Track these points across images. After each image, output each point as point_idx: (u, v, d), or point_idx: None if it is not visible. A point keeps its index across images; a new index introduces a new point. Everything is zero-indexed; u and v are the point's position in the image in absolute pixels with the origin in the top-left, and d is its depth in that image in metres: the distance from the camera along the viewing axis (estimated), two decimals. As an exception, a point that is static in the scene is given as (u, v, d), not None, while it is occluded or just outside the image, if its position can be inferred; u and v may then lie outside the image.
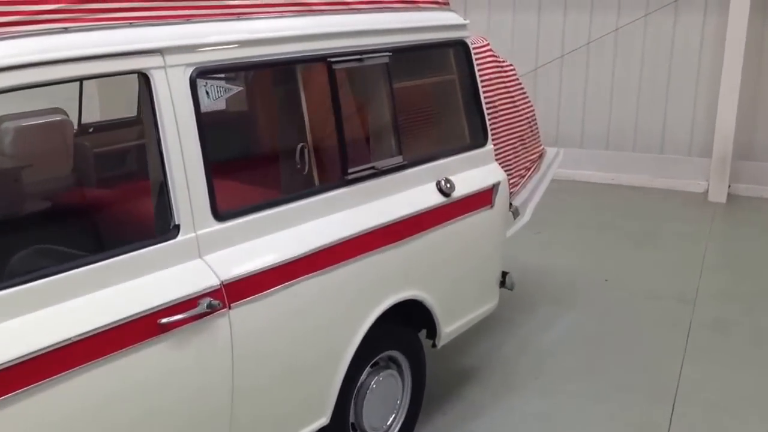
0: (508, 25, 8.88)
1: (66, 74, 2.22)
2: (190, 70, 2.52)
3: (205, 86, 2.63)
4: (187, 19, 2.58)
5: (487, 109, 4.12)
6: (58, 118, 3.39)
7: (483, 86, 4.09)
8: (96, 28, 2.31)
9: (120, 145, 3.74)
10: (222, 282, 2.54)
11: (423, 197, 3.38)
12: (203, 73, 2.57)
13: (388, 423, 3.47)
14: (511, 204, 4.37)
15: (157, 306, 2.36)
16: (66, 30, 2.24)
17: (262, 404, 2.76)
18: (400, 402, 3.52)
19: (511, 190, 4.42)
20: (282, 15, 2.89)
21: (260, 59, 2.77)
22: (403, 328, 3.47)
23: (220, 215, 2.60)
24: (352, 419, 3.26)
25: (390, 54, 3.24)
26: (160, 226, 2.49)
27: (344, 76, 3.09)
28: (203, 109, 2.60)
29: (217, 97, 2.70)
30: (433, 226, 3.42)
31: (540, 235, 6.64)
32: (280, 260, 2.72)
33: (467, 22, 3.70)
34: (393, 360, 3.46)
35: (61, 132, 3.35)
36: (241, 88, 3.33)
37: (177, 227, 2.48)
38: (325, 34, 2.97)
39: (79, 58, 2.23)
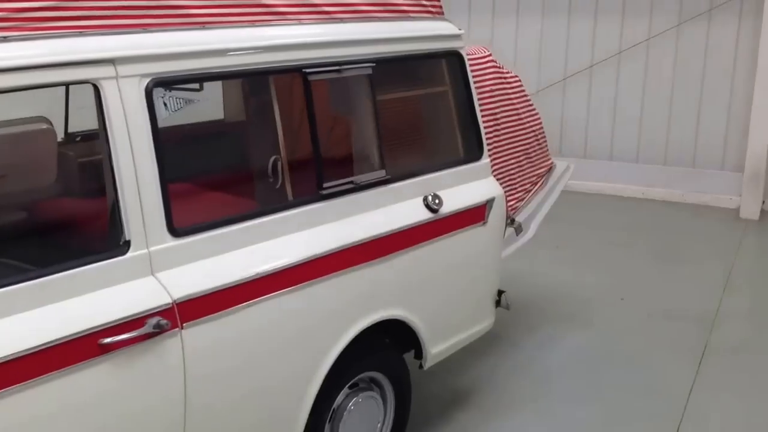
0: (536, 32, 8.70)
1: (5, 84, 2.14)
2: (146, 81, 2.43)
3: (163, 98, 2.54)
4: (145, 28, 2.49)
5: (488, 121, 4.00)
6: (40, 126, 3.33)
7: (483, 98, 3.97)
8: (41, 37, 2.24)
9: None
10: (174, 301, 2.45)
11: (408, 213, 3.25)
12: (161, 84, 2.48)
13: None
14: (513, 220, 4.23)
15: (100, 325, 2.27)
16: (5, 39, 2.16)
17: (220, 426, 2.66)
18: (382, 425, 3.39)
19: (516, 206, 4.29)
20: (255, 24, 2.80)
21: (226, 70, 2.68)
22: (386, 349, 3.34)
23: (177, 231, 2.51)
24: (328, 441, 3.15)
25: (373, 65, 3.13)
26: (110, 242, 2.40)
27: (322, 88, 2.98)
28: (163, 121, 2.52)
29: (176, 109, 2.61)
30: (419, 243, 3.29)
31: (559, 250, 6.46)
32: (241, 278, 2.62)
33: (461, 32, 3.57)
34: (375, 381, 3.34)
35: (43, 141, 3.30)
36: (206, 100, 3.24)
37: (128, 243, 2.39)
38: (299, 44, 2.87)
39: (19, 68, 2.16)
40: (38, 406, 2.16)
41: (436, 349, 3.52)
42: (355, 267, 2.99)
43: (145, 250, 2.43)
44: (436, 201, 3.35)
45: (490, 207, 3.66)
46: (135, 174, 2.40)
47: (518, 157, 4.31)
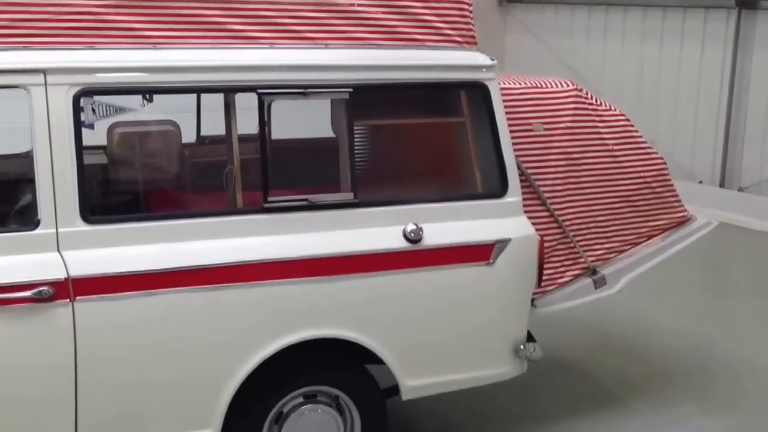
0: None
1: None
2: (75, 89, 2.90)
3: (92, 104, 2.97)
4: (91, 45, 2.96)
5: (560, 161, 3.76)
6: (164, 127, 3.98)
7: (554, 136, 3.74)
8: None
9: (216, 158, 4.19)
10: (69, 276, 2.87)
11: (376, 239, 3.27)
12: (88, 93, 2.93)
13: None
14: (596, 271, 3.91)
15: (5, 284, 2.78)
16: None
17: (115, 407, 3.01)
18: (341, 440, 3.44)
19: (605, 257, 3.94)
20: (215, 47, 3.11)
21: (155, 86, 3.04)
22: (345, 369, 3.38)
23: (89, 219, 2.93)
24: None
25: (350, 90, 3.22)
26: (27, 219, 2.92)
27: (285, 109, 3.18)
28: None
29: (104, 115, 3.03)
30: (389, 270, 3.29)
31: (678, 298, 5.56)
32: (142, 269, 2.95)
33: (491, 63, 3.45)
34: (338, 399, 3.41)
35: (164, 140, 3.89)
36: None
37: (38, 222, 2.88)
38: (251, 66, 3.10)
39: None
40: None
41: (415, 382, 3.44)
42: (285, 281, 3.12)
43: (53, 230, 2.89)
44: (414, 232, 3.31)
45: (501, 248, 3.46)
46: (51, 167, 2.88)
47: (613, 203, 3.94)
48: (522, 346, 3.60)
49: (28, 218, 2.93)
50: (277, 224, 3.17)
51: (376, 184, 3.33)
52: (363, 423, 3.44)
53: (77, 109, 2.91)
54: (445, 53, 3.42)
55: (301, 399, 3.35)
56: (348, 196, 3.26)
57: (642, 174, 3.99)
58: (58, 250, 2.91)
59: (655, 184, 4.04)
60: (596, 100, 3.92)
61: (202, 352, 3.08)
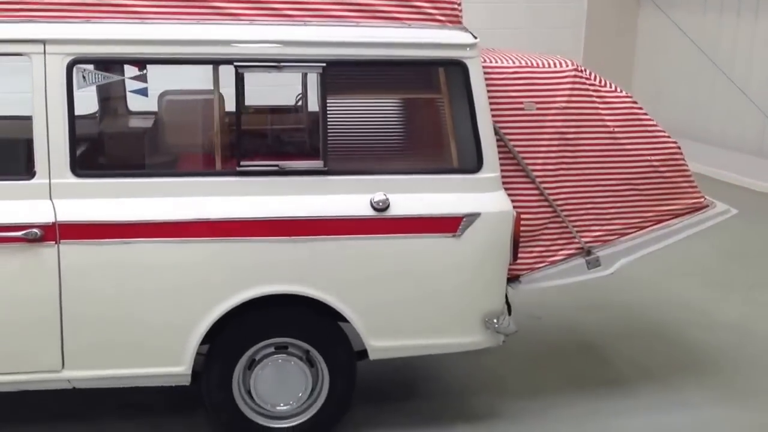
0: None
1: None
2: (69, 58, 3.31)
3: (83, 72, 3.36)
4: (87, 19, 3.35)
5: (552, 141, 3.78)
6: (207, 96, 4.37)
7: (548, 115, 3.77)
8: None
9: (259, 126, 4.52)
10: (57, 221, 3.31)
11: (341, 205, 3.48)
12: (79, 61, 3.32)
13: (286, 407, 3.71)
14: (590, 251, 3.92)
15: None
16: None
17: (97, 337, 3.43)
18: (307, 395, 3.70)
19: (604, 238, 3.95)
20: (199, 23, 3.41)
21: (142, 56, 3.39)
22: (315, 325, 3.62)
23: (78, 173, 3.35)
24: (242, 385, 3.65)
25: (323, 65, 3.43)
26: (26, 170, 3.37)
27: (259, 80, 3.45)
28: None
29: (94, 82, 3.40)
30: (353, 234, 3.49)
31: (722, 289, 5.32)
32: (121, 220, 3.33)
33: (472, 42, 3.53)
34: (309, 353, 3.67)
35: (206, 109, 4.26)
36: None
37: (34, 173, 3.33)
38: (221, 41, 3.38)
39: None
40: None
41: (380, 343, 3.64)
42: (249, 239, 3.41)
43: (46, 181, 3.33)
44: (381, 201, 3.49)
45: (470, 222, 3.56)
46: (47, 125, 3.31)
47: (613, 186, 3.91)
48: (495, 319, 3.70)
49: (26, 169, 3.39)
50: (249, 187, 3.46)
51: (350, 155, 3.54)
52: (331, 378, 3.69)
53: (70, 76, 3.32)
54: (424, 32, 3.53)
55: (272, 349, 3.65)
56: (318, 164, 3.49)
57: (647, 157, 3.92)
58: (50, 199, 3.35)
59: (663, 169, 3.95)
60: (600, 81, 3.89)
61: (172, 297, 3.44)
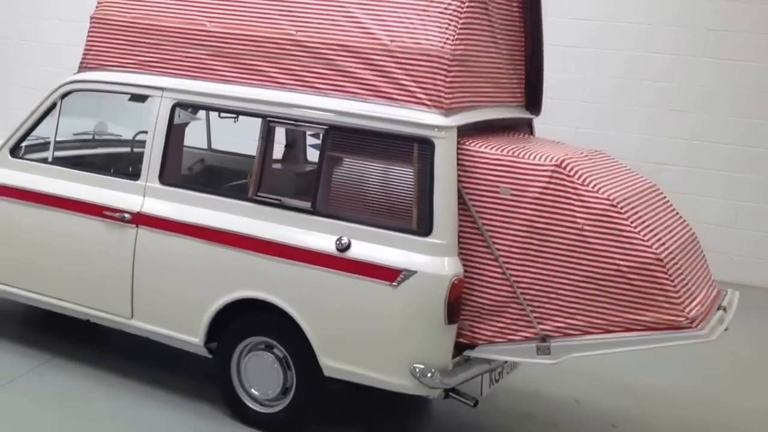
0: None
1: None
2: (173, 102, 4.74)
3: (181, 114, 4.71)
4: (195, 77, 4.75)
5: (523, 227, 4.08)
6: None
7: (520, 203, 4.09)
8: (129, 72, 4.88)
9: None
10: (139, 212, 4.75)
11: (311, 239, 4.31)
12: (180, 105, 4.73)
13: (266, 397, 4.58)
14: (545, 339, 4.11)
15: (110, 206, 4.83)
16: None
17: (154, 302, 4.75)
18: (280, 390, 4.53)
19: (563, 330, 4.09)
20: (258, 86, 4.57)
21: (229, 107, 4.71)
22: (289, 331, 4.43)
23: (163, 181, 4.75)
24: (236, 369, 4.65)
25: (325, 128, 4.33)
26: (133, 176, 4.88)
27: (280, 134, 4.50)
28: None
29: (188, 120, 4.75)
30: (315, 264, 4.29)
31: None
32: (174, 218, 4.64)
33: (443, 125, 4.09)
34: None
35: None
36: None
37: (139, 177, 4.82)
38: (263, 101, 4.49)
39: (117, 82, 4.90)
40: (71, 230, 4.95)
41: (330, 362, 4.32)
42: (238, 249, 4.47)
43: (144, 184, 4.79)
44: (343, 243, 4.22)
45: (407, 277, 4.07)
46: (152, 145, 4.77)
47: (577, 282, 4.00)
48: (421, 370, 4.11)
49: (133, 173, 4.90)
50: (258, 212, 4.49)
51: (332, 202, 4.34)
52: (297, 379, 4.49)
53: (172, 115, 4.76)
54: (407, 111, 4.20)
55: (262, 346, 4.57)
56: (306, 205, 4.38)
57: (616, 261, 3.93)
58: (144, 195, 4.79)
59: (632, 276, 3.91)
60: (582, 181, 4.03)
61: (193, 281, 4.63)
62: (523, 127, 5.11)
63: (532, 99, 5.13)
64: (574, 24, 8.87)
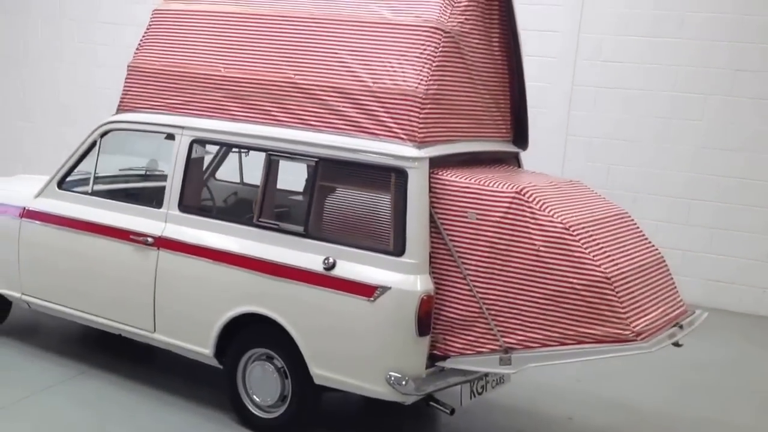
0: None
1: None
2: (191, 139, 5.35)
3: (195, 148, 5.30)
4: (211, 116, 5.35)
5: (483, 247, 4.50)
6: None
7: (483, 226, 4.51)
8: (158, 113, 5.53)
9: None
10: (160, 236, 5.35)
11: (301, 258, 4.81)
12: (197, 142, 5.34)
13: (266, 404, 5.06)
14: (508, 351, 4.49)
15: (136, 231, 5.46)
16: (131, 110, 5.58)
17: (173, 316, 5.32)
18: (278, 397, 5.00)
19: (528, 345, 4.45)
20: (261, 124, 5.14)
21: (237, 142, 5.31)
22: (285, 343, 4.91)
23: (182, 209, 5.35)
24: (241, 377, 5.15)
25: (316, 160, 4.85)
26: (156, 204, 5.50)
27: (278, 165, 5.08)
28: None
29: (202, 155, 5.31)
30: (304, 281, 4.78)
31: None
32: (188, 242, 5.22)
33: (415, 156, 4.55)
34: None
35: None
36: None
37: (161, 205, 5.43)
38: (267, 137, 5.05)
39: (140, 122, 5.56)
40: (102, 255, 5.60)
41: (318, 371, 4.78)
42: (241, 269, 4.99)
43: (165, 211, 5.40)
44: (329, 262, 4.71)
45: (382, 292, 4.53)
46: (173, 177, 5.38)
47: (536, 298, 4.37)
48: (395, 378, 4.54)
49: (158, 202, 5.51)
50: (260, 236, 5.03)
51: (322, 225, 4.84)
52: (293, 387, 4.96)
53: (190, 150, 5.37)
54: (384, 144, 4.69)
55: (264, 357, 5.07)
56: (299, 229, 4.89)
57: (569, 279, 4.29)
58: (165, 222, 5.40)
59: (585, 293, 4.26)
60: (540, 207, 4.40)
61: (206, 298, 5.17)
62: (511, 161, 5.53)
63: (519, 133, 5.55)
64: (603, 65, 9.26)
